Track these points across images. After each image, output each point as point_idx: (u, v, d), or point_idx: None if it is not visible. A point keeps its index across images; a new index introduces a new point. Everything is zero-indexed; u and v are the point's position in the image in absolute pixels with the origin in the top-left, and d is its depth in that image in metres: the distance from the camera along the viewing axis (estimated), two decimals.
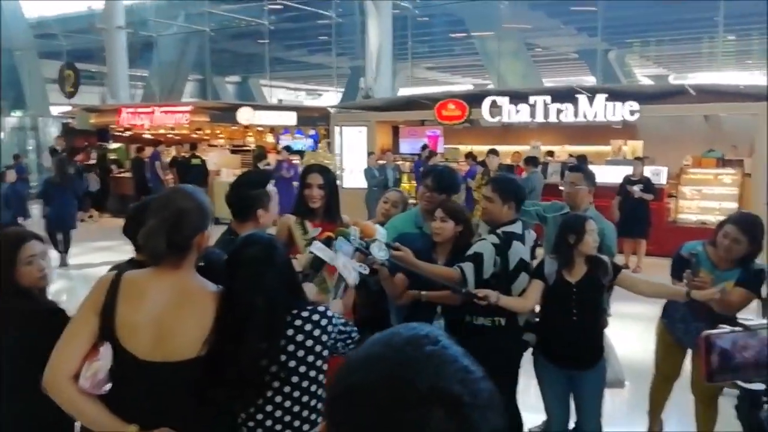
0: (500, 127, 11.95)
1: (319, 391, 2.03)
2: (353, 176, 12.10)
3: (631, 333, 5.52)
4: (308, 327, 1.99)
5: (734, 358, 1.81)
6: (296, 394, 1.97)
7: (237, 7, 20.59)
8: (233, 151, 15.45)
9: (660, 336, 3.82)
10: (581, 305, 3.19)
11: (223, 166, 14.10)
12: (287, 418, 1.98)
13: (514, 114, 11.02)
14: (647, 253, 8.91)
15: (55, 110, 21.55)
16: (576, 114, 10.57)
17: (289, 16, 21.19)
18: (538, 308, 3.38)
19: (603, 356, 3.36)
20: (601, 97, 10.37)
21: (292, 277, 2.10)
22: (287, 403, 1.97)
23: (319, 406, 2.02)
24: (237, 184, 3.06)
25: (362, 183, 11.14)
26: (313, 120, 14.45)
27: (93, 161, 15.04)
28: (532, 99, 10.85)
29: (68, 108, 18.68)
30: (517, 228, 3.33)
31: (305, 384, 1.98)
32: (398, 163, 11.95)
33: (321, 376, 2.03)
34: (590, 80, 24.32)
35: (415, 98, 12.93)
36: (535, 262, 3.39)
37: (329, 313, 2.06)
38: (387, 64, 14.06)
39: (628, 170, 9.24)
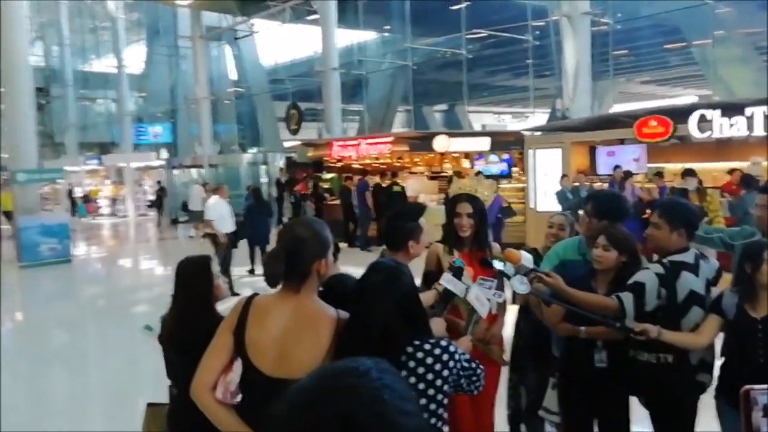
0: (714, 142, 10.82)
1: (440, 425, 2.07)
2: (547, 199, 11.83)
3: None
4: (430, 360, 2.02)
5: None
6: None
7: (439, 39, 21.43)
8: (431, 178, 16.01)
9: None
10: None
11: (422, 192, 14.69)
12: None
13: (728, 128, 9.91)
14: None
15: (286, 146, 24.37)
16: None
17: (490, 43, 21.51)
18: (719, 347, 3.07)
19: None
20: None
21: (414, 308, 2.13)
22: None
23: None
24: (392, 216, 3.28)
25: (556, 206, 10.85)
26: (507, 144, 14.43)
27: (311, 191, 16.69)
28: (749, 110, 9.68)
29: (293, 143, 21.03)
30: (688, 257, 3.04)
31: (425, 416, 2.01)
32: (595, 184, 11.42)
33: (441, 410, 2.06)
34: None
35: (613, 116, 12.27)
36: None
37: (452, 348, 2.08)
38: (585, 82, 13.56)
39: None
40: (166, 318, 2.82)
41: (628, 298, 2.92)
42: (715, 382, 3.06)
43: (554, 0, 14.26)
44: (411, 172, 16.62)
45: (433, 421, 2.04)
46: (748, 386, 1.43)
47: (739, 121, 9.81)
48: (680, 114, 10.72)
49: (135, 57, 30.99)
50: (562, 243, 3.65)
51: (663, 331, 2.82)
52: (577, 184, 10.87)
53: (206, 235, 9.67)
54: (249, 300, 2.07)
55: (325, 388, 0.81)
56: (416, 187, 14.90)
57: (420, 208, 3.30)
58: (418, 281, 3.22)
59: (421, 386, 2.02)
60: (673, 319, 2.95)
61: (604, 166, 12.16)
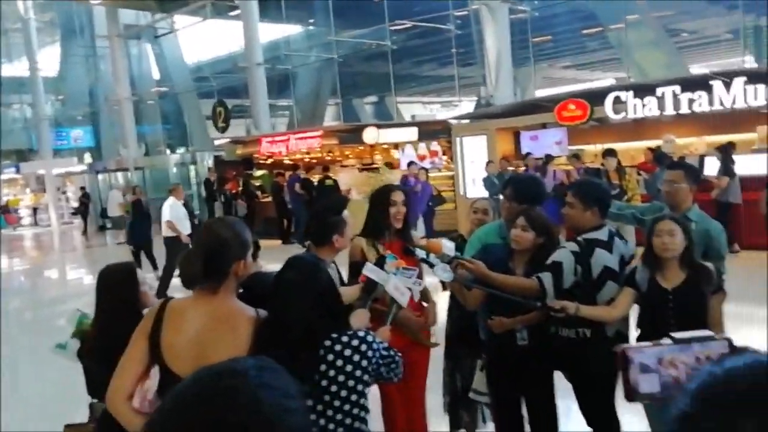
0: (631, 122, 11.28)
1: (362, 414, 2.09)
2: (476, 187, 12.06)
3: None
4: (348, 352, 2.04)
5: (660, 374, 1.59)
6: (339, 417, 2.04)
7: (364, 31, 21.41)
8: (362, 170, 16.05)
9: None
10: (680, 315, 2.88)
11: (354, 185, 14.67)
12: None
13: (641, 108, 10.37)
14: None
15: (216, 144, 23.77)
16: (711, 102, 9.71)
17: (415, 33, 21.63)
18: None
19: None
20: (739, 81, 9.44)
21: (332, 303, 2.13)
22: (331, 426, 2.04)
23: (363, 429, 2.09)
24: (315, 210, 3.28)
25: (485, 192, 11.07)
26: (435, 133, 14.61)
27: (241, 189, 16.39)
28: (659, 91, 10.15)
29: (224, 141, 20.56)
30: (601, 235, 3.15)
31: (347, 407, 2.04)
32: (520, 168, 11.70)
33: (363, 400, 2.09)
34: (749, 61, 22.06)
35: (534, 101, 12.62)
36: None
37: (369, 338, 2.10)
38: (507, 69, 13.87)
39: None
40: (86, 330, 2.71)
41: (547, 278, 3.01)
42: None
43: None
44: (342, 166, 16.59)
45: (355, 411, 2.06)
46: (623, 345, 1.53)
47: (651, 102, 10.27)
48: (598, 97, 11.14)
49: (50, 58, 29.58)
50: (484, 228, 3.71)
51: (581, 307, 2.92)
52: (502, 169, 11.12)
53: (166, 239, 9.36)
54: (164, 304, 2.02)
55: (201, 391, 0.80)
56: (348, 180, 14.90)
57: (343, 201, 3.29)
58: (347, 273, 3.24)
59: (341, 378, 2.03)
60: (589, 295, 3.05)
61: (528, 150, 12.47)
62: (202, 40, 25.51)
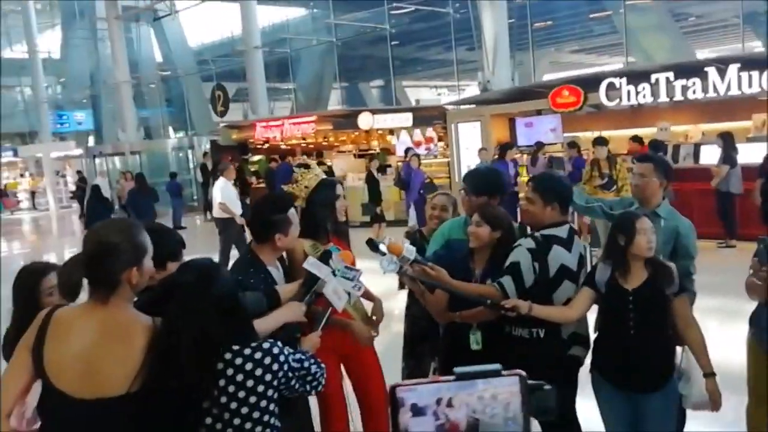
0: (628, 109, 11.04)
1: None
2: None
3: (710, 332, 4.74)
4: (249, 366, 1.90)
5: (437, 417, 1.34)
6: None
7: (364, 14, 21.14)
8: (359, 156, 15.90)
9: (750, 350, 3.17)
10: (640, 316, 2.78)
11: (349, 171, 14.57)
12: None
13: (634, 95, 10.13)
14: None
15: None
16: (705, 89, 9.46)
17: (418, 17, 21.33)
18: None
19: (673, 377, 2.88)
20: (734, 68, 9.18)
21: (233, 310, 1.96)
22: None
23: None
24: (258, 207, 3.07)
25: None
26: (432, 119, 14.41)
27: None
28: (653, 77, 9.91)
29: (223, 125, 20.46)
30: (561, 232, 3.02)
31: (248, 426, 1.92)
32: (516, 156, 11.49)
33: (268, 417, 1.97)
34: (757, 46, 21.62)
35: (530, 88, 12.40)
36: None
37: (275, 350, 1.96)
38: (504, 54, 13.62)
39: None
40: (9, 331, 2.62)
41: (508, 281, 2.90)
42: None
43: None
44: (339, 151, 16.46)
45: (258, 429, 1.94)
46: (395, 383, 1.28)
47: (645, 89, 10.03)
48: (592, 83, 10.91)
49: (52, 41, 29.52)
50: (448, 223, 3.60)
51: (534, 306, 2.80)
52: (496, 156, 10.91)
53: (214, 219, 9.25)
54: (49, 313, 1.85)
55: None
56: (343, 165, 14.78)
57: (289, 199, 3.11)
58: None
59: (241, 394, 1.90)
60: (545, 293, 2.94)
61: (523, 137, 12.31)
62: (204, 23, 25.35)
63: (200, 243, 9.49)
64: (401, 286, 3.66)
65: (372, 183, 11.58)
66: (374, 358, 3.38)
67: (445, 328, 3.24)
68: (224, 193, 8.96)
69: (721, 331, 5.41)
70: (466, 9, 16.08)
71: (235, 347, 1.91)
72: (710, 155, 9.20)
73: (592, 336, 3.08)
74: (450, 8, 16.61)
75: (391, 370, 3.57)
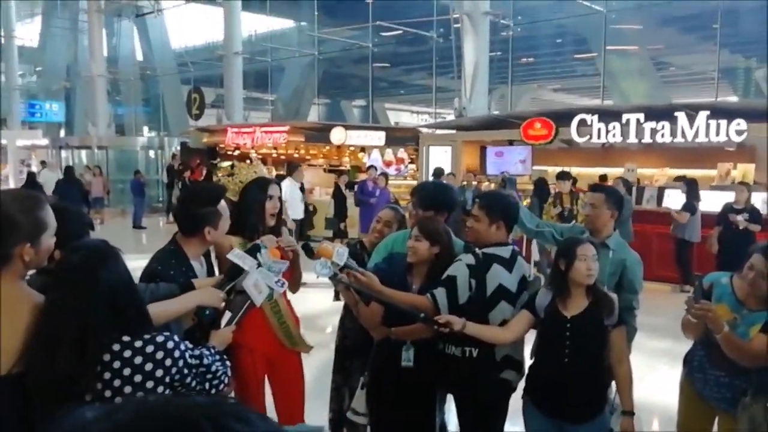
0: (599, 148, 11.07)
1: None
2: None
3: (658, 373, 4.70)
4: (138, 360, 1.76)
5: None
6: None
7: (348, 31, 21.20)
8: (329, 170, 15.74)
9: (682, 390, 3.12)
10: (576, 344, 2.73)
11: (317, 185, 14.39)
12: None
13: (604, 134, 10.14)
14: None
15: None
16: (674, 134, 9.49)
17: (404, 41, 21.44)
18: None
19: (605, 410, 2.83)
20: (703, 115, 9.23)
21: (124, 298, 1.82)
22: None
23: None
24: (186, 199, 2.95)
25: None
26: (405, 140, 14.35)
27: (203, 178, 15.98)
28: (624, 117, 9.93)
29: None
30: (503, 252, 2.96)
31: None
32: (483, 184, 11.43)
33: None
34: (733, 100, 22.16)
35: (503, 117, 12.40)
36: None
37: (170, 345, 1.81)
38: (483, 83, 13.64)
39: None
40: None
41: (441, 293, 2.85)
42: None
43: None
44: (310, 165, 16.27)
45: None
46: None
47: (615, 128, 10.05)
48: (565, 118, 10.91)
49: (32, 30, 29.06)
50: (393, 235, 3.50)
51: (468, 324, 2.73)
52: (465, 182, 10.82)
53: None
54: None
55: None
56: (311, 179, 14.58)
57: (219, 191, 2.93)
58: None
59: (127, 389, 1.74)
60: (481, 312, 2.88)
61: (492, 166, 12.26)
62: (188, 25, 25.20)
63: (160, 245, 9.21)
64: (337, 296, 3.49)
65: (339, 198, 11.46)
66: (299, 366, 3.26)
67: (377, 342, 3.16)
68: (287, 193, 8.53)
69: (669, 374, 5.33)
70: (451, 36, 16.17)
71: (126, 338, 1.76)
72: (673, 199, 9.21)
73: (528, 362, 3.01)
74: (434, 32, 16.64)
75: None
